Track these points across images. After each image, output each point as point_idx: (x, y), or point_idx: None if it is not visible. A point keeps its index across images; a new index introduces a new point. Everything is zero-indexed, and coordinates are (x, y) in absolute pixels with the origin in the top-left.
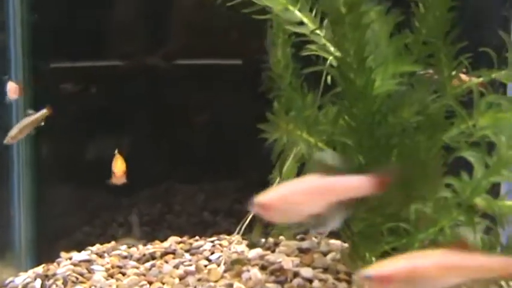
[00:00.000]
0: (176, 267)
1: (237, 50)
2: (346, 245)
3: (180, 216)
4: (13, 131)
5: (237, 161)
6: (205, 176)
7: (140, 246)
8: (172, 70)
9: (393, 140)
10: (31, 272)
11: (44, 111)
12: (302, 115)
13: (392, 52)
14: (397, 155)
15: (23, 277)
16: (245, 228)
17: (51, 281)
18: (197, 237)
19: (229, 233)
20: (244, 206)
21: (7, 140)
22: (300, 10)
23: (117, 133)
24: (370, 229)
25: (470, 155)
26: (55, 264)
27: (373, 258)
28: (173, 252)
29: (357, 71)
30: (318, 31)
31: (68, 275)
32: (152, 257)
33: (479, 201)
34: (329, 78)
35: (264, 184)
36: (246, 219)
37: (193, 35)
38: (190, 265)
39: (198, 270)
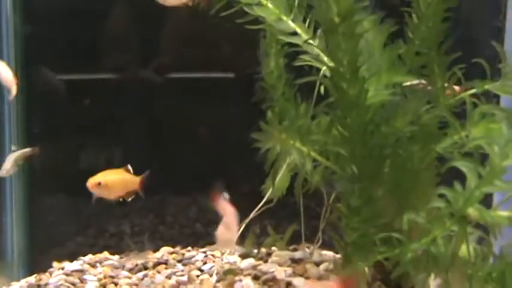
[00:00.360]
0: (168, 277)
1: (229, 61)
2: (338, 255)
3: (172, 228)
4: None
5: (229, 173)
6: (198, 188)
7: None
8: (164, 83)
9: (386, 150)
10: (23, 282)
11: (27, 150)
12: (295, 125)
13: (385, 62)
14: (390, 165)
15: (15, 287)
16: (237, 239)
17: None
18: (189, 248)
19: None
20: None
21: None
22: (293, 20)
23: (110, 144)
24: (363, 239)
25: (463, 165)
26: (47, 274)
27: (366, 268)
28: (165, 263)
29: (349, 80)
30: (311, 41)
31: (60, 285)
32: (144, 267)
33: (472, 212)
34: (322, 88)
35: (256, 195)
36: (239, 230)
37: (185, 48)
38: (183, 275)
39: (190, 280)
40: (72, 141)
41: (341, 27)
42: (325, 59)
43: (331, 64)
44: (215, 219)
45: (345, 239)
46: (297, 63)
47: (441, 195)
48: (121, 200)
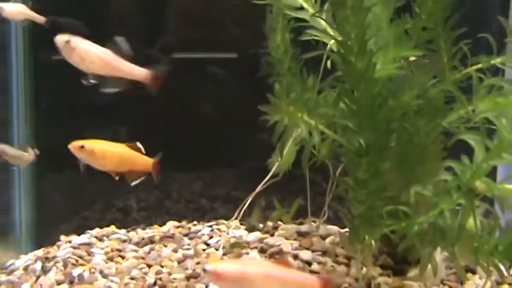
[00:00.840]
0: (175, 251)
1: (233, 42)
2: (343, 230)
3: (178, 202)
4: None
5: (234, 148)
6: (203, 163)
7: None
8: (170, 63)
9: (393, 124)
10: (31, 255)
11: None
12: (303, 97)
13: (392, 36)
14: (396, 139)
15: (23, 259)
16: (243, 213)
17: (51, 263)
18: (195, 222)
19: (227, 219)
20: (241, 193)
21: None
22: None
23: (118, 123)
24: (370, 212)
25: (470, 138)
26: (55, 247)
27: (372, 241)
28: (172, 237)
29: (357, 54)
30: (318, 15)
31: (68, 258)
32: (151, 240)
33: (479, 185)
34: (329, 62)
35: (261, 170)
36: (245, 204)
37: (190, 27)
38: (189, 249)
39: (196, 254)
40: (79, 118)
41: (349, 0)
42: (333, 33)
43: (339, 38)
44: (220, 194)
45: (352, 212)
46: (304, 38)
47: (448, 169)
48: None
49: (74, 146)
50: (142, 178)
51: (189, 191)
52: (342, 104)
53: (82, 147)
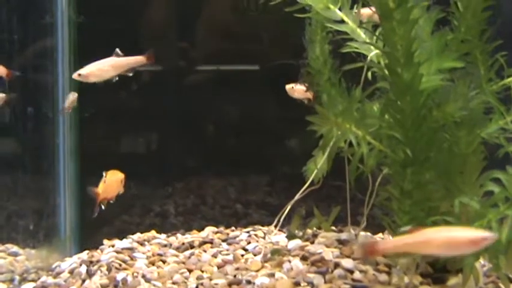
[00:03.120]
0: (214, 256)
1: (262, 55)
2: (378, 236)
3: (213, 208)
4: None
5: (268, 156)
6: (238, 171)
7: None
8: (207, 73)
9: (437, 135)
10: (76, 258)
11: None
12: (352, 108)
13: (435, 48)
14: (438, 150)
15: (68, 262)
16: (279, 220)
17: (95, 267)
18: (233, 228)
19: (262, 225)
20: (275, 199)
21: None
22: (340, 9)
23: (156, 130)
24: (413, 222)
25: None
26: (98, 251)
27: None
28: (211, 242)
29: (404, 65)
30: (358, 29)
31: (111, 262)
32: (191, 245)
33: None
34: (369, 74)
35: (294, 177)
36: (284, 211)
37: (222, 41)
38: (228, 254)
39: (235, 259)
40: (119, 125)
41: (396, 12)
42: (376, 45)
43: (384, 49)
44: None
45: (397, 221)
46: (345, 50)
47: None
48: None
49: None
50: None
51: (224, 196)
52: (388, 115)
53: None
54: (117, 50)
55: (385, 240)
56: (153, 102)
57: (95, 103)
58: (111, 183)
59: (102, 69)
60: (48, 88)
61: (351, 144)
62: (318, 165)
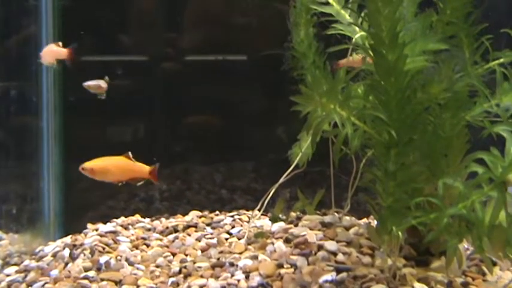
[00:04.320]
0: (198, 240)
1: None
2: (363, 221)
3: (198, 193)
4: None
5: (253, 143)
6: (223, 157)
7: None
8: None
9: (421, 117)
10: (59, 242)
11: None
12: (336, 89)
13: (420, 30)
14: (422, 132)
15: (52, 246)
16: (264, 204)
17: (79, 250)
18: (217, 212)
19: (247, 210)
20: (260, 185)
21: None
22: None
23: (142, 116)
24: (397, 203)
25: (503, 130)
26: (82, 234)
27: (400, 233)
28: (195, 226)
29: (388, 46)
30: (343, 11)
31: (95, 245)
32: (175, 229)
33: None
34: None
35: (279, 163)
36: (268, 195)
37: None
38: (212, 238)
39: (219, 243)
40: (104, 110)
41: None
42: (361, 26)
43: (368, 31)
44: (239, 185)
45: (381, 203)
46: (329, 32)
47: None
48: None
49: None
50: (143, 182)
51: (210, 182)
52: (372, 96)
53: (83, 168)
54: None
55: None
56: (140, 88)
57: (80, 87)
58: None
59: None
60: (32, 72)
61: (334, 127)
62: (302, 148)
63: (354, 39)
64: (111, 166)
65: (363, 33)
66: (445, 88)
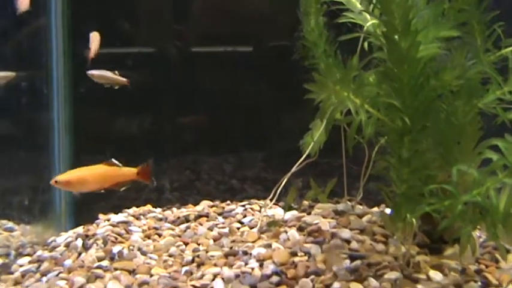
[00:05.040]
0: (210, 229)
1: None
2: (374, 209)
3: (208, 183)
4: None
5: (263, 133)
6: (233, 147)
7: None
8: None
9: (434, 104)
10: (71, 232)
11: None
12: (349, 76)
13: (432, 17)
14: (435, 119)
15: (64, 237)
16: (275, 194)
17: (91, 240)
18: (228, 202)
19: (258, 199)
20: (270, 175)
21: None
22: None
23: (151, 106)
24: (411, 190)
25: None
26: (94, 225)
27: (414, 220)
28: (206, 215)
29: (401, 33)
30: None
31: (107, 235)
32: (186, 219)
33: None
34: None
35: (289, 152)
36: (280, 184)
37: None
38: (224, 227)
39: (231, 232)
40: (114, 101)
41: None
42: (373, 14)
43: (378, 19)
44: (249, 175)
45: (395, 190)
46: (341, 21)
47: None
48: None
49: (55, 182)
50: (128, 186)
51: (220, 172)
52: (385, 83)
53: (56, 182)
54: None
55: None
56: (149, 79)
57: (90, 80)
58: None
59: None
60: (42, 63)
61: (346, 116)
62: (314, 137)
63: (365, 28)
64: (89, 176)
65: (374, 21)
66: (458, 75)
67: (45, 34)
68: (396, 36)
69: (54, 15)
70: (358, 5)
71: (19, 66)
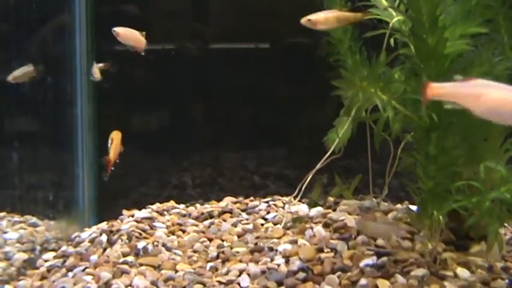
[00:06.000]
0: (234, 225)
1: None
2: (398, 206)
3: (231, 180)
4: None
5: (285, 129)
6: (255, 143)
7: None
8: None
9: None
10: (95, 228)
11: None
12: (376, 73)
13: (460, 13)
14: (461, 116)
15: (88, 232)
16: (300, 190)
17: (116, 236)
18: (252, 198)
19: (281, 195)
20: (292, 171)
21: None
22: None
23: (173, 103)
24: (438, 187)
25: None
26: (118, 221)
27: (440, 217)
28: (230, 212)
29: (429, 30)
30: None
31: (131, 231)
32: (210, 215)
33: None
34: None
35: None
36: (305, 181)
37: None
38: (248, 224)
39: (255, 228)
40: (137, 97)
41: None
42: (399, 10)
43: (405, 15)
44: (271, 171)
45: (422, 186)
46: (367, 17)
47: None
48: None
49: None
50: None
51: (242, 168)
52: (412, 80)
53: None
54: None
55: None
56: (171, 75)
57: (114, 75)
58: (117, 146)
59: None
60: (66, 60)
61: (371, 113)
62: (339, 133)
63: (390, 24)
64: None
65: (400, 17)
66: (486, 71)
67: (69, 32)
68: (423, 33)
69: (78, 13)
70: (384, 1)
71: (44, 63)
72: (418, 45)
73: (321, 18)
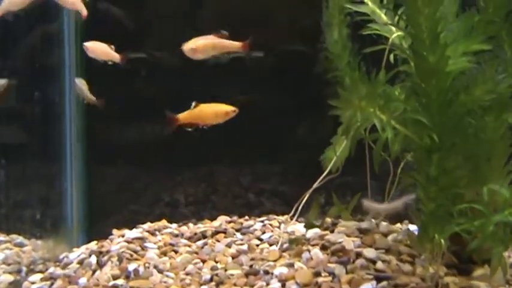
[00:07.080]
0: (228, 246)
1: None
2: (397, 226)
3: (225, 197)
4: None
5: (279, 145)
6: (249, 159)
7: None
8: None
9: (464, 120)
10: (84, 248)
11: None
12: (375, 92)
13: (462, 30)
14: (463, 135)
15: (77, 253)
16: (297, 209)
17: (105, 257)
18: (247, 217)
19: (276, 214)
20: (287, 188)
21: None
22: None
23: (163, 119)
24: (440, 209)
25: None
26: (108, 241)
27: (442, 240)
28: (224, 232)
29: (429, 47)
30: (378, 10)
31: (122, 252)
32: (203, 235)
33: None
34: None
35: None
36: (301, 201)
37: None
38: (242, 244)
39: (250, 249)
40: (127, 111)
41: None
42: (399, 26)
43: (404, 32)
44: (266, 188)
45: (422, 209)
46: (365, 32)
47: None
48: None
49: None
50: None
51: (236, 185)
52: (413, 99)
53: None
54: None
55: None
56: (163, 88)
57: (103, 88)
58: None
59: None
60: (55, 72)
61: (371, 132)
62: (337, 152)
63: (390, 40)
64: None
65: (399, 33)
66: (489, 89)
67: (58, 42)
68: (424, 51)
69: (67, 24)
70: (383, 17)
71: (32, 74)
72: (418, 62)
73: (200, 46)
